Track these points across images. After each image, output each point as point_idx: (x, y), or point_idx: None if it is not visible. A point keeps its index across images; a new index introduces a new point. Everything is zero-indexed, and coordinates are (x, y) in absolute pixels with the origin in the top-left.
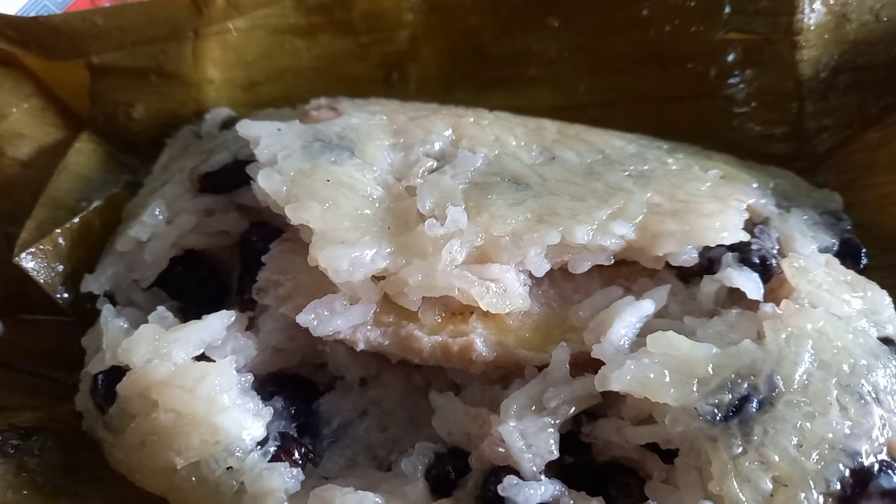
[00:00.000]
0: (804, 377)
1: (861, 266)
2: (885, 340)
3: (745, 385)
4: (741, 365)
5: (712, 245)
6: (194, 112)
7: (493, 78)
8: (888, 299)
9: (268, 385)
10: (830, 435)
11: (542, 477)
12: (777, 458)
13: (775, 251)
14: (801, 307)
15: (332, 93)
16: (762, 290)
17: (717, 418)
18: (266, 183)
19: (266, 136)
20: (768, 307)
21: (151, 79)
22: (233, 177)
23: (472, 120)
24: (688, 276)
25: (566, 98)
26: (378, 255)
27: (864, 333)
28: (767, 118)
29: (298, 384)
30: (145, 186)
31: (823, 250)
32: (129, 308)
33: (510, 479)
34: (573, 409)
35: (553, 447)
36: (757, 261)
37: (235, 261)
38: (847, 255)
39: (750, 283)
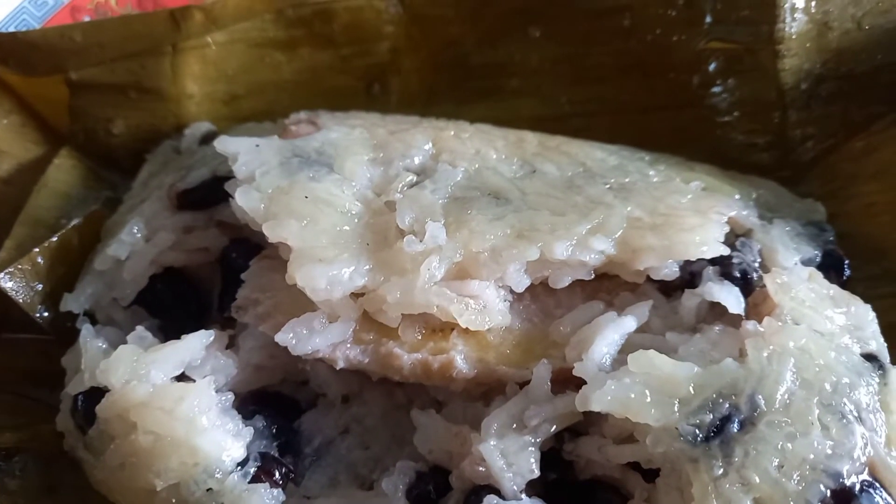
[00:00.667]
0: (786, 396)
1: (844, 278)
2: (869, 357)
3: (727, 405)
4: (723, 384)
5: (693, 259)
6: (174, 127)
7: (475, 89)
8: (872, 314)
9: (249, 403)
10: (812, 455)
11: (523, 496)
12: (758, 480)
13: (757, 264)
14: (784, 324)
15: (314, 106)
16: (743, 304)
17: (699, 439)
18: (244, 200)
19: (244, 152)
20: (750, 325)
21: (131, 94)
22: (211, 193)
23: (452, 133)
24: (670, 290)
25: (548, 109)
26: (356, 272)
27: (847, 350)
28: (750, 127)
29: (280, 402)
30: (124, 203)
31: (806, 262)
32: (109, 327)
33: (490, 499)
34: (554, 427)
35: (534, 466)
36: (738, 275)
37: (216, 277)
38: (830, 267)
39: (731, 298)
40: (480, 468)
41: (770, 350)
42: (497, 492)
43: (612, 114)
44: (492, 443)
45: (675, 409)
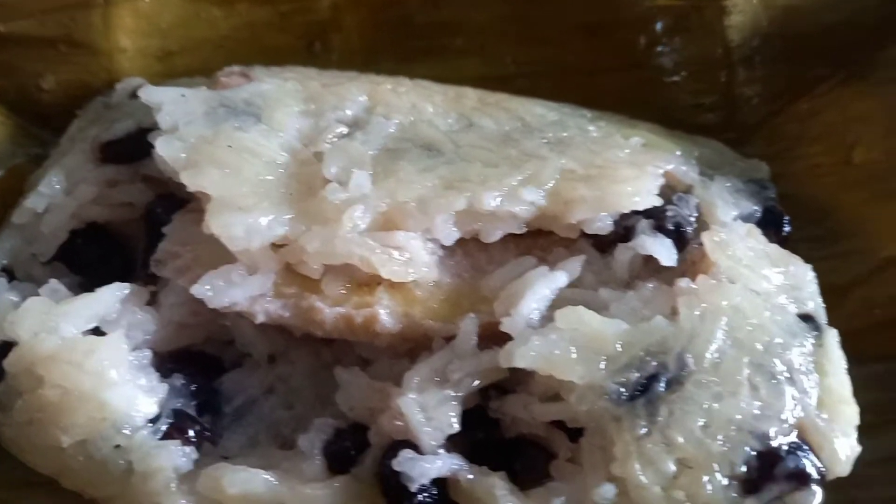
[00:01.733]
0: (716, 356)
1: (783, 234)
2: (805, 317)
3: (654, 363)
4: (651, 342)
5: (625, 211)
6: (106, 83)
7: (418, 48)
8: (811, 274)
9: (168, 362)
10: (738, 416)
11: (442, 451)
12: (682, 440)
13: (693, 219)
14: (718, 283)
15: (252, 64)
16: (675, 257)
17: (623, 397)
18: (164, 149)
19: (169, 101)
20: (683, 282)
21: (61, 48)
22: (136, 146)
23: (389, 87)
24: (604, 246)
25: (493, 69)
26: (276, 221)
27: (782, 310)
28: (697, 87)
29: (201, 361)
30: (50, 158)
31: (745, 217)
32: (27, 283)
33: (406, 453)
34: (477, 381)
35: (454, 420)
36: (671, 227)
37: (142, 234)
38: (770, 223)
39: (663, 250)
40: (398, 422)
41: (702, 308)
42: (416, 447)
43: (557, 74)
44: (411, 396)
45: (602, 366)
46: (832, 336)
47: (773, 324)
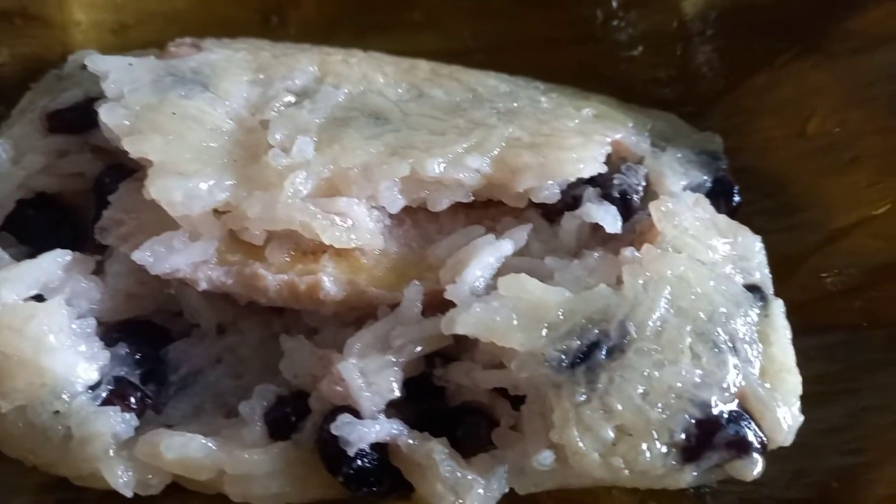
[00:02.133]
0: (658, 324)
1: (734, 204)
2: (751, 288)
3: (596, 331)
4: (594, 310)
5: (570, 178)
6: (61, 56)
7: (375, 22)
8: (759, 245)
9: (114, 331)
10: (679, 384)
11: (381, 416)
12: (620, 407)
13: (641, 188)
14: (664, 252)
15: (207, 37)
16: (620, 224)
17: (564, 365)
18: (108, 117)
19: (115, 70)
20: (628, 251)
21: (16, 21)
22: (84, 115)
23: (340, 58)
24: (553, 216)
25: (451, 43)
26: (217, 186)
27: (728, 280)
28: (653, 62)
29: (148, 331)
30: (0, 130)
31: (695, 188)
32: None
33: (344, 418)
34: (419, 348)
35: (395, 386)
36: (617, 195)
37: (93, 205)
38: (720, 193)
39: (608, 217)
40: (339, 387)
41: (646, 277)
42: (356, 413)
43: (514, 48)
44: (352, 361)
45: (543, 334)
46: (778, 306)
47: (718, 293)
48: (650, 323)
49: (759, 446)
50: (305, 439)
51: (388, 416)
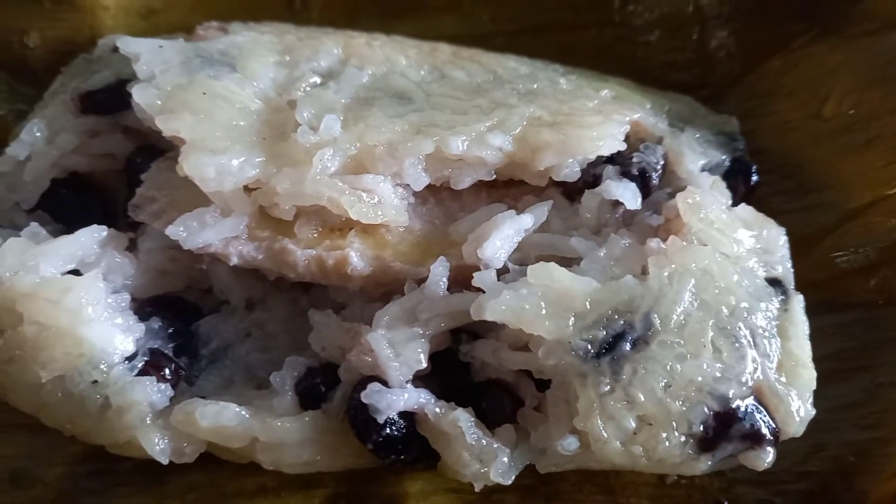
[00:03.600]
0: (682, 317)
1: (752, 183)
2: (773, 281)
3: (622, 322)
4: (620, 301)
5: (589, 155)
6: (90, 40)
7: (397, 6)
8: (784, 238)
9: (147, 306)
10: (700, 378)
11: (409, 386)
12: (643, 398)
13: (660, 166)
14: (689, 245)
15: (232, 21)
16: (639, 201)
17: (590, 355)
18: (141, 97)
19: (146, 52)
20: (654, 243)
21: (46, 5)
22: (115, 96)
23: (363, 41)
24: (573, 194)
25: (471, 27)
26: (247, 163)
27: (751, 274)
28: (670, 45)
29: (179, 306)
30: (33, 112)
31: (714, 168)
32: (10, 230)
33: (374, 386)
34: (445, 322)
35: (422, 357)
36: (636, 172)
37: (124, 186)
38: (738, 173)
39: (628, 193)
40: (367, 358)
41: (671, 269)
42: (384, 383)
43: (534, 32)
44: (380, 332)
45: (570, 323)
46: (798, 301)
47: (741, 287)
48: (674, 316)
49: (771, 438)
50: (335, 408)
51: (415, 386)
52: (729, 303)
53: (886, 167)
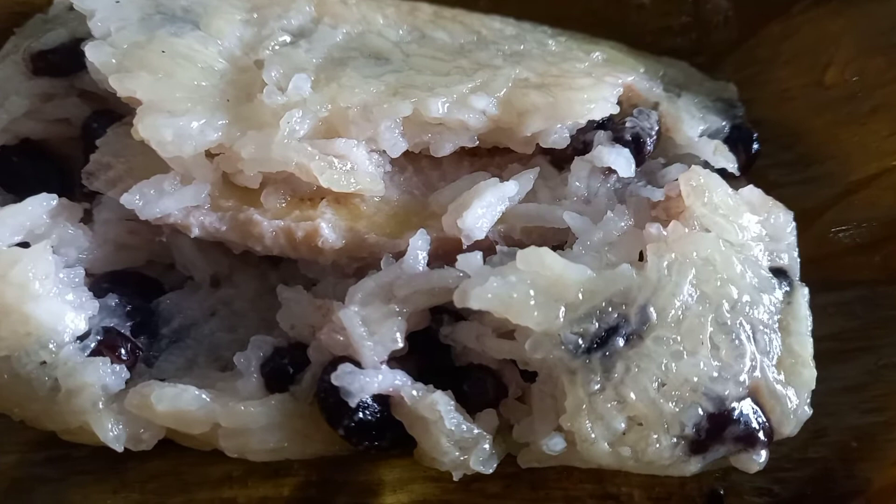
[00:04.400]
0: (679, 312)
1: (752, 152)
2: (777, 272)
3: (616, 315)
4: (615, 292)
5: (580, 120)
6: (48, 1)
7: None
8: (792, 225)
9: (103, 282)
10: (695, 378)
11: (384, 367)
12: (634, 398)
13: (654, 131)
14: (691, 231)
15: None
16: (633, 168)
17: (580, 350)
18: (94, 55)
19: (102, 8)
20: (654, 228)
21: None
22: (70, 56)
23: None
24: (562, 162)
25: None
26: (209, 125)
27: (755, 264)
28: (664, 9)
29: (138, 281)
30: None
31: (713, 133)
32: None
33: (345, 367)
34: (425, 301)
35: (398, 336)
36: (629, 138)
37: (81, 153)
38: (738, 140)
39: (621, 160)
40: (339, 336)
41: (671, 258)
42: (357, 364)
43: None
44: (353, 309)
45: (561, 314)
46: (802, 295)
47: (743, 279)
48: (672, 310)
49: (765, 440)
50: (304, 391)
51: (390, 367)
52: (730, 296)
53: (890, 137)
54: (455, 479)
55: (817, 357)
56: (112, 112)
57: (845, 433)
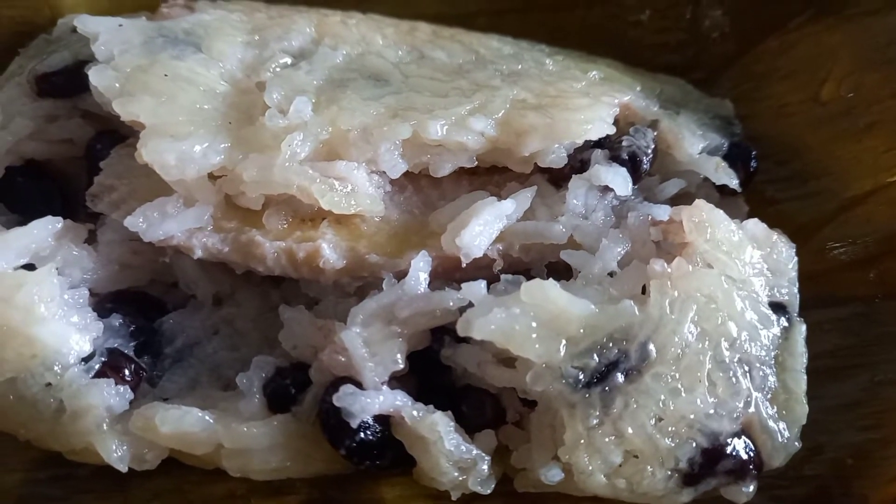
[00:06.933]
0: (679, 349)
1: (751, 169)
2: (776, 306)
3: (616, 350)
4: (616, 328)
5: (577, 140)
6: (50, 21)
7: None
8: (794, 260)
9: (107, 302)
10: (692, 415)
11: (385, 388)
12: (632, 433)
13: (650, 150)
14: (694, 269)
15: None
16: (630, 186)
17: (580, 384)
18: (97, 79)
19: (105, 31)
20: (658, 265)
21: None
22: (74, 79)
23: (338, 19)
24: (559, 181)
25: (453, 6)
26: (211, 149)
27: (755, 300)
28: (661, 25)
29: (142, 301)
30: None
31: (713, 150)
32: None
33: (346, 388)
34: (426, 321)
35: (399, 357)
36: (626, 157)
37: (84, 174)
38: (737, 158)
39: (618, 178)
40: (341, 357)
41: (674, 295)
42: (358, 385)
43: (520, 12)
44: (355, 330)
45: (562, 348)
46: (800, 332)
47: (743, 317)
48: (672, 347)
49: (755, 473)
50: (306, 411)
51: (391, 388)
52: (730, 334)
53: (887, 153)
54: (454, 498)
55: (813, 374)
56: (115, 133)
57: (841, 450)
